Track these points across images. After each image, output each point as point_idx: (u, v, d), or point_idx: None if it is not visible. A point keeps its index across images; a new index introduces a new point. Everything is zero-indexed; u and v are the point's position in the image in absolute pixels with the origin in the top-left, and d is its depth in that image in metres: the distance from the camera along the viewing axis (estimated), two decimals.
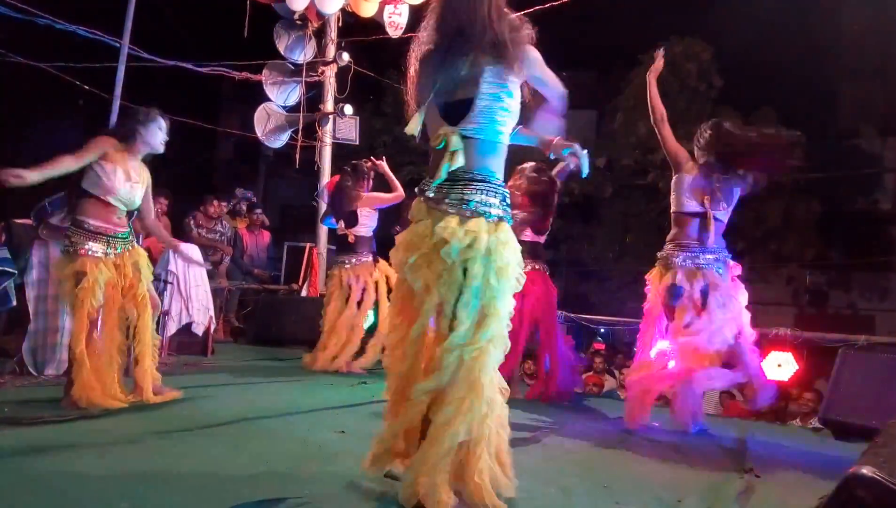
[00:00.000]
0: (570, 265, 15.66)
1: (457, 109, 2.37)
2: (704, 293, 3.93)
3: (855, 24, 13.02)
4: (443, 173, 2.35)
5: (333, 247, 7.54)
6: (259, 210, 9.36)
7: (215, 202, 8.40)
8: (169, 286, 5.90)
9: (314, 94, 9.16)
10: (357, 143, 9.35)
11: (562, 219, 5.30)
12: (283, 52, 8.72)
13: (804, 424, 5.80)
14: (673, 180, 4.21)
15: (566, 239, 14.91)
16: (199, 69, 9.13)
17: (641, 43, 15.00)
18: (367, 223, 5.87)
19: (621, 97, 14.62)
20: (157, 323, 4.30)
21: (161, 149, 3.99)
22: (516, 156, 2.78)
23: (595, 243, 15.09)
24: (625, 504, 2.52)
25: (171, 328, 6.07)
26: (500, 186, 2.42)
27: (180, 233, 7.80)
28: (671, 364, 4.09)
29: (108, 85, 5.86)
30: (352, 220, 5.73)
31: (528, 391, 5.18)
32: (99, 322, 3.87)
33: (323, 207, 9.16)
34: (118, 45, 5.93)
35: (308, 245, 9.27)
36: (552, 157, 2.72)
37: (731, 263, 4.10)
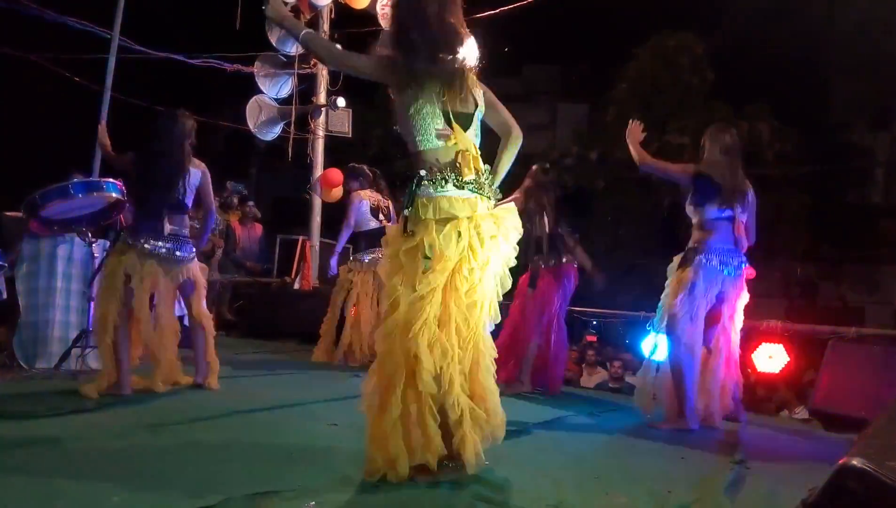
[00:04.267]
0: None
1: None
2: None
3: (847, 19, 13.06)
4: None
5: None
6: (251, 203, 9.33)
7: None
8: None
9: (306, 86, 9.12)
10: (350, 135, 9.32)
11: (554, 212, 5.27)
12: (275, 44, 8.65)
13: (794, 415, 5.84)
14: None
15: None
16: (191, 61, 9.08)
17: (635, 36, 15.06)
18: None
19: (614, 90, 14.61)
20: None
21: None
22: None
23: (587, 235, 15.11)
24: (615, 495, 2.53)
25: None
26: None
27: None
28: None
29: (98, 77, 5.83)
30: None
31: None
32: None
33: (316, 200, 9.17)
34: (109, 36, 5.89)
35: (301, 238, 9.26)
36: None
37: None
